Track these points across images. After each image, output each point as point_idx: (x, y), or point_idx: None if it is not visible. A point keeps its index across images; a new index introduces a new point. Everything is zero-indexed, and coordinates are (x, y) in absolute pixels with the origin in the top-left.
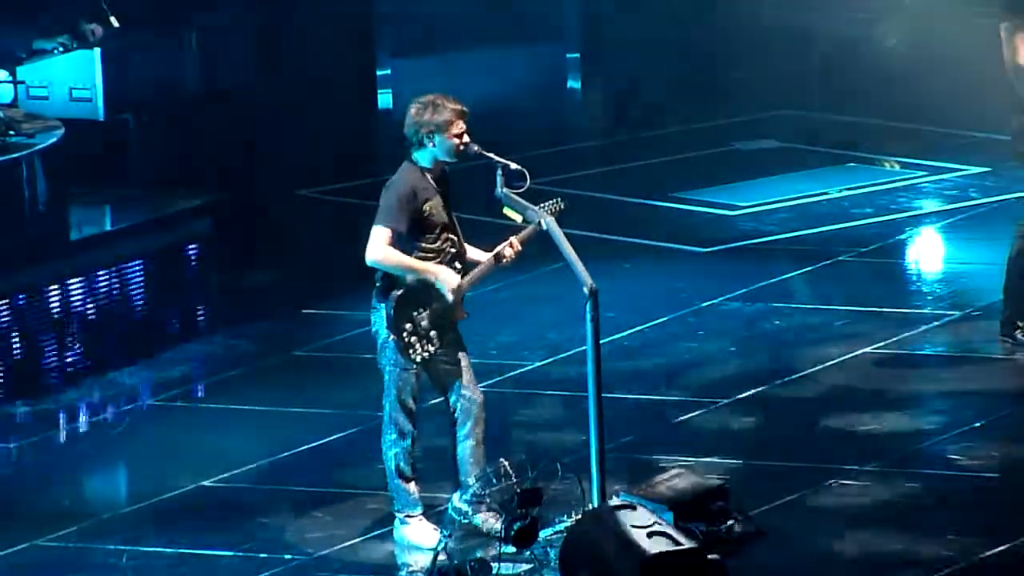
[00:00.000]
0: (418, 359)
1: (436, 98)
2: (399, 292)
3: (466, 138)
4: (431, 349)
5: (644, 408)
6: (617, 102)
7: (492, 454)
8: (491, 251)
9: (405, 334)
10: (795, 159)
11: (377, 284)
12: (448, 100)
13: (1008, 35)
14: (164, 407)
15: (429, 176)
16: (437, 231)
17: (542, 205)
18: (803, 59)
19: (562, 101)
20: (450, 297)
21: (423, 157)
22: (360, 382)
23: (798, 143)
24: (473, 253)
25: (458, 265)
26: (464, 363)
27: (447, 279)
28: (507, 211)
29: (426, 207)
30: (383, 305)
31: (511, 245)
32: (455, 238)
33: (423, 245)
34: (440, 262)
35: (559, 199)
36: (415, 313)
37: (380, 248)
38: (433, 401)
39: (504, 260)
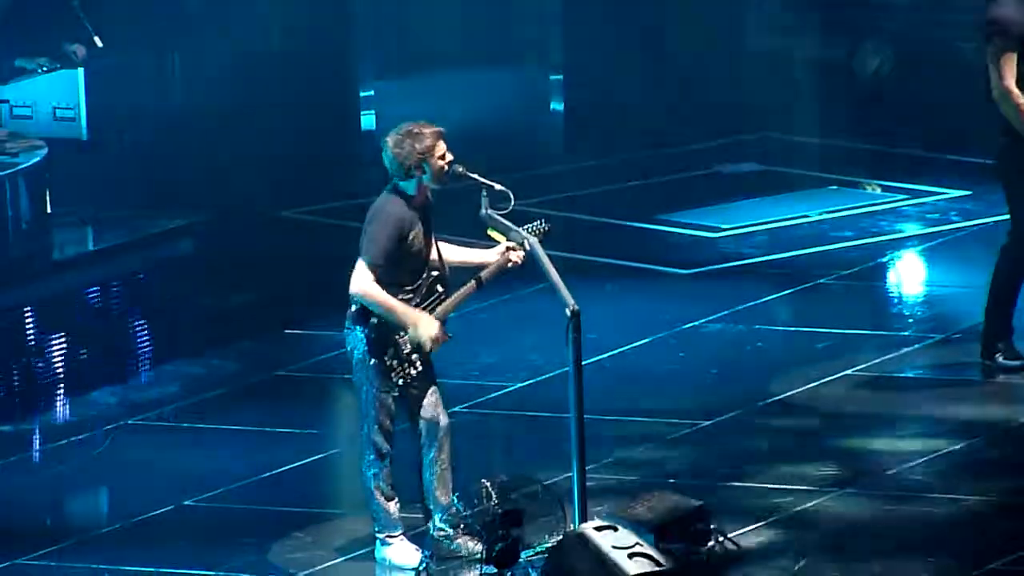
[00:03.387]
0: (400, 382)
1: (412, 126)
2: (378, 318)
3: (449, 157)
4: (412, 373)
5: (626, 429)
6: (600, 124)
7: (473, 475)
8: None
9: (387, 358)
10: (776, 182)
11: (353, 307)
12: (424, 125)
13: (993, 58)
14: (145, 427)
15: (413, 204)
16: (419, 258)
17: (526, 227)
18: (785, 82)
19: (545, 123)
20: (428, 347)
21: (410, 187)
22: (342, 402)
23: (779, 166)
24: (460, 255)
25: (440, 289)
26: (433, 388)
27: (425, 329)
28: (491, 232)
29: (410, 237)
30: (359, 327)
31: (489, 270)
32: (437, 262)
33: (406, 271)
34: (422, 287)
35: (543, 220)
36: (396, 337)
37: (365, 283)
38: (404, 426)
39: (498, 268)
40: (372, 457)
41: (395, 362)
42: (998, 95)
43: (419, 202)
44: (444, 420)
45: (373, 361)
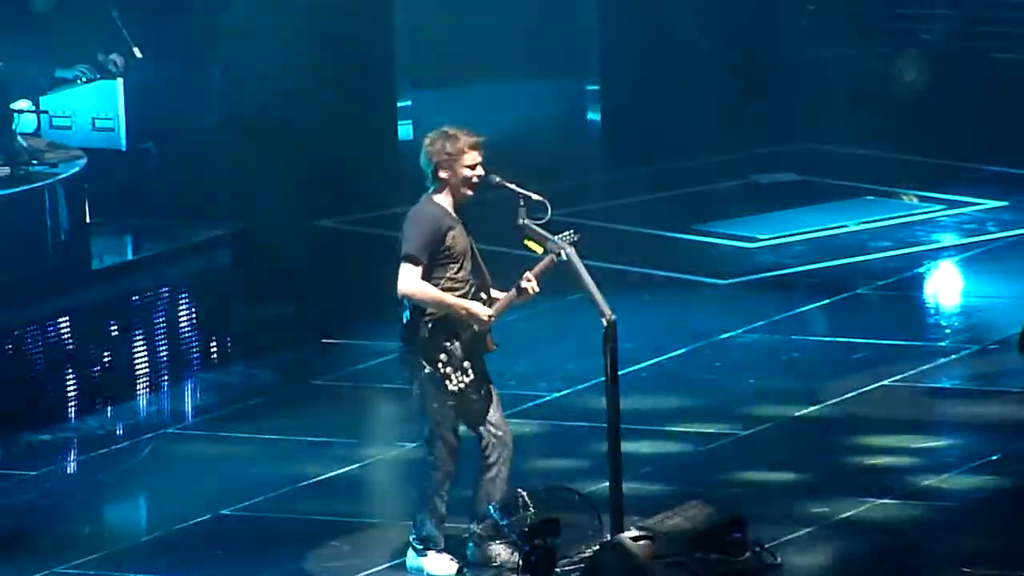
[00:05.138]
0: (455, 389)
1: (450, 128)
2: (430, 324)
3: (479, 170)
4: (466, 380)
5: (662, 439)
6: (636, 134)
7: (510, 485)
8: (507, 290)
9: (440, 364)
10: (813, 192)
11: (404, 322)
12: (462, 131)
13: None
14: (184, 436)
15: (448, 206)
16: (461, 260)
17: (557, 237)
18: (822, 93)
19: (582, 133)
20: (477, 328)
21: (439, 188)
22: (379, 411)
23: (816, 176)
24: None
25: (482, 295)
26: (494, 397)
27: (478, 312)
28: (528, 242)
29: (448, 237)
30: (411, 343)
31: (527, 280)
32: (479, 267)
33: (449, 275)
34: (465, 292)
35: (572, 230)
36: (447, 344)
37: (410, 281)
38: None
39: (525, 293)
40: (433, 472)
41: (449, 368)
42: None
43: (453, 205)
44: (509, 434)
45: (428, 370)
